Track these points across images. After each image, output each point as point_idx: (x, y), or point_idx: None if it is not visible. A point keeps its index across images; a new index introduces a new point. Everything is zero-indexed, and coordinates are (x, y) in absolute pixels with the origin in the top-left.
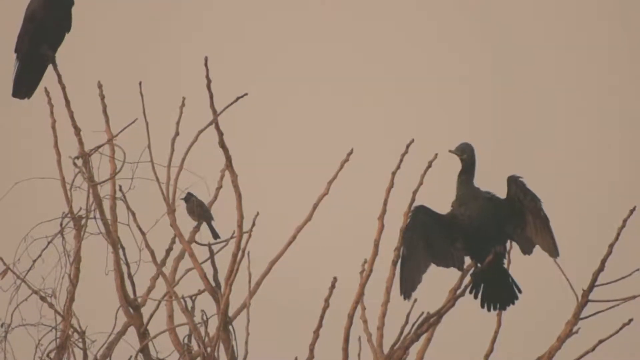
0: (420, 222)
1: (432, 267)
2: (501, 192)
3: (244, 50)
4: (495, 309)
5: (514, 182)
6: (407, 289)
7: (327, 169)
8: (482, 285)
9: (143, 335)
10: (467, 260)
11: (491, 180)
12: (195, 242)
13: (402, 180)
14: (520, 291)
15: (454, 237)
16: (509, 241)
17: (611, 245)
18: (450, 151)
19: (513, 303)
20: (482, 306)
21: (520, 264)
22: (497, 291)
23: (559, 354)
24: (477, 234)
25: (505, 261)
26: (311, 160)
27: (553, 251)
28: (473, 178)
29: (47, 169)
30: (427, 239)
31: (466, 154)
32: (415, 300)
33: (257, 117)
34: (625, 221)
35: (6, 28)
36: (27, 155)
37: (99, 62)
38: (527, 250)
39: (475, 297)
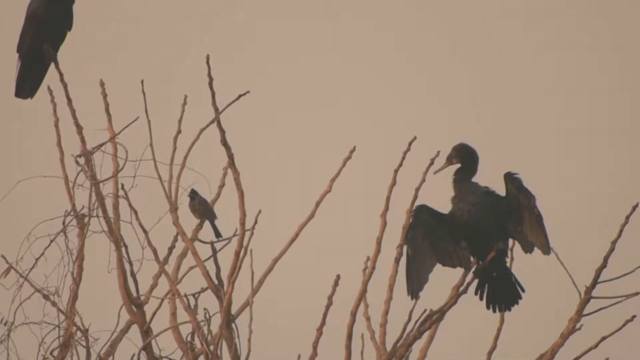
0: (423, 221)
1: (435, 265)
2: (502, 189)
3: (245, 48)
4: (500, 309)
5: (509, 179)
6: (415, 288)
7: (330, 166)
8: (486, 286)
9: (146, 333)
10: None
11: (492, 178)
12: (198, 239)
13: (405, 177)
14: (523, 290)
15: (457, 236)
16: (510, 239)
17: (614, 242)
18: (436, 172)
19: (517, 303)
20: (488, 307)
21: (523, 261)
22: (501, 291)
23: (562, 350)
24: (477, 229)
25: (508, 259)
26: (313, 158)
27: (545, 248)
28: (473, 175)
29: (49, 168)
30: (431, 238)
31: (456, 158)
32: (418, 297)
33: (259, 114)
34: (628, 218)
35: (8, 28)
36: (30, 153)
37: (100, 60)
38: (528, 249)
39: (481, 298)
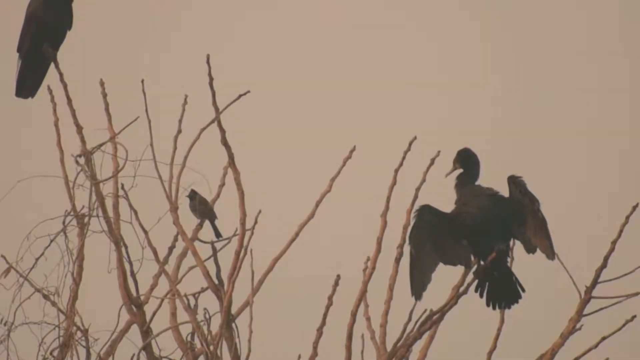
0: (426, 221)
1: (438, 265)
2: (504, 190)
3: (245, 48)
4: (500, 307)
5: (513, 182)
6: (418, 289)
7: (330, 166)
8: (486, 284)
9: (146, 333)
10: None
11: (493, 178)
12: (198, 239)
13: (405, 177)
14: (523, 290)
15: (459, 235)
16: (512, 239)
17: (614, 242)
18: (447, 175)
19: (517, 302)
20: (487, 305)
21: (523, 261)
22: (501, 290)
23: (562, 350)
24: (480, 232)
25: (509, 259)
26: (314, 158)
27: (549, 253)
28: (475, 179)
29: (49, 167)
30: (433, 238)
31: (458, 163)
32: (422, 298)
33: (260, 114)
34: (627, 218)
35: (8, 28)
36: (30, 153)
37: (100, 60)
38: (530, 249)
39: (481, 296)
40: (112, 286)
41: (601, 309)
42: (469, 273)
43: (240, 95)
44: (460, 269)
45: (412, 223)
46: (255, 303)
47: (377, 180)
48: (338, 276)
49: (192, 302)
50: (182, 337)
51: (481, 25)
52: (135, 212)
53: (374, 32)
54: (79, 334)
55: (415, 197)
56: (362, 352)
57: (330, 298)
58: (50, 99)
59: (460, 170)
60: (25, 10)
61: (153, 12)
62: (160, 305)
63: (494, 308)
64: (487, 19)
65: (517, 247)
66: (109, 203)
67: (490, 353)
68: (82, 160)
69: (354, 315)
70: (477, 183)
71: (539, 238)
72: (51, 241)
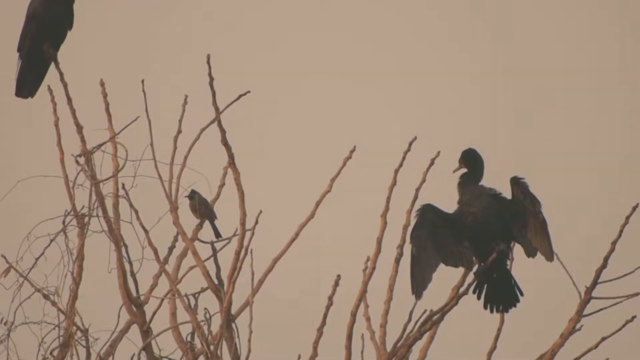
0: (429, 220)
1: (439, 265)
2: (507, 190)
3: (246, 48)
4: (497, 310)
5: (515, 183)
6: (419, 288)
7: (330, 166)
8: (485, 286)
9: (146, 333)
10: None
11: (494, 178)
12: (198, 239)
13: (405, 177)
14: (522, 294)
15: (462, 236)
16: (512, 242)
17: (614, 243)
18: (454, 172)
19: (515, 306)
20: (485, 307)
21: (524, 262)
22: (500, 293)
23: (562, 351)
24: (482, 232)
25: (509, 261)
26: (314, 158)
27: (548, 255)
28: (478, 180)
29: (49, 167)
30: (435, 238)
31: (462, 163)
32: (422, 297)
33: (260, 114)
34: (628, 218)
35: (8, 28)
36: (30, 153)
37: (101, 60)
38: (531, 253)
39: (479, 298)
40: (112, 286)
41: (601, 309)
42: (469, 273)
43: (240, 96)
44: (460, 269)
45: (414, 221)
46: (255, 303)
47: (377, 180)
48: (338, 276)
49: (192, 302)
50: (182, 337)
51: (485, 27)
52: (136, 212)
53: (377, 31)
54: (79, 333)
55: (415, 197)
56: (362, 352)
57: (330, 298)
58: (50, 98)
59: (464, 170)
60: (25, 10)
61: (153, 12)
62: (160, 305)
63: (491, 311)
64: (491, 21)
65: (517, 248)
66: (109, 203)
67: (490, 353)
68: (82, 160)
69: (354, 315)
70: (480, 183)
71: (538, 239)
72: (51, 241)
